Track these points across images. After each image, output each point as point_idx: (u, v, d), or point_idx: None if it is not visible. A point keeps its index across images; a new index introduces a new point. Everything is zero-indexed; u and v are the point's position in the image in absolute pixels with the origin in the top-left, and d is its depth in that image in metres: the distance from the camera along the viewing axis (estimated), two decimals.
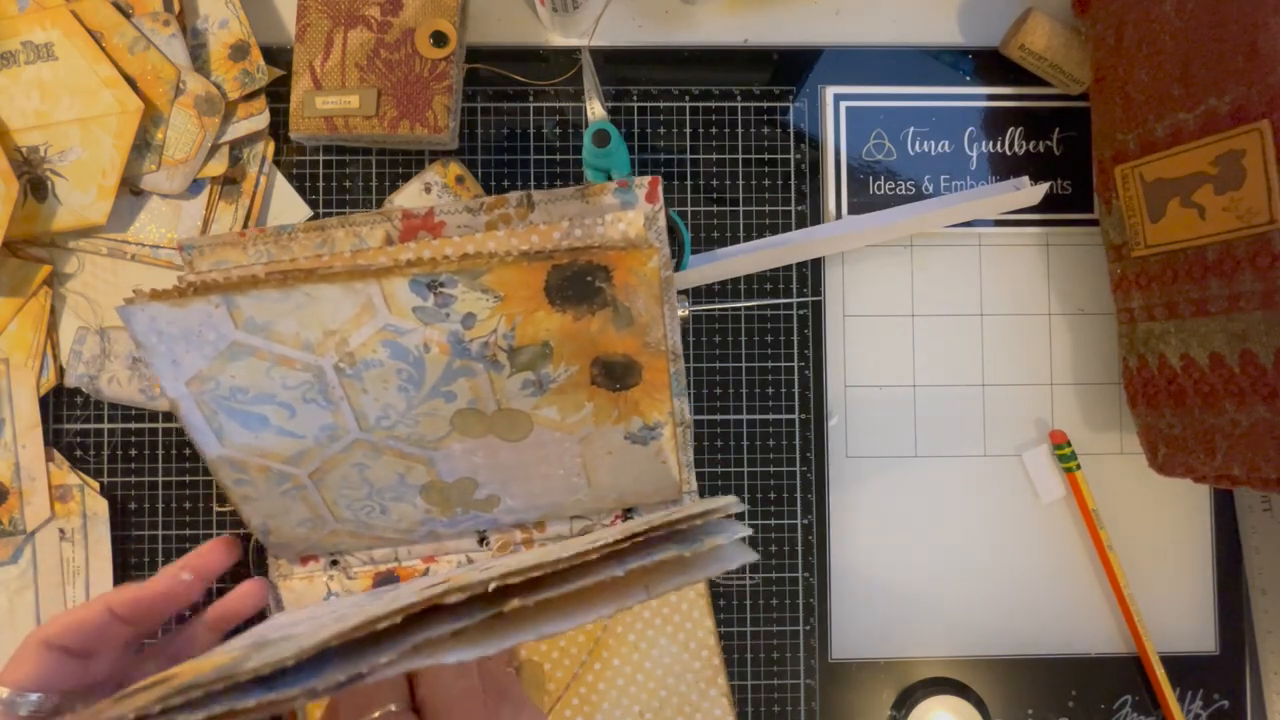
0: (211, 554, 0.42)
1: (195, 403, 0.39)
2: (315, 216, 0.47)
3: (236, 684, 0.26)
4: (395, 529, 0.44)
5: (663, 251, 0.38)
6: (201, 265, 0.40)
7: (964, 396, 0.49)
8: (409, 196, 0.46)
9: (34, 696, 0.34)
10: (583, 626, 0.45)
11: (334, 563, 0.45)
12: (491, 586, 0.28)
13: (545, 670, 0.45)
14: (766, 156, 0.49)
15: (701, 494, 0.48)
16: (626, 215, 0.39)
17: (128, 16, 0.44)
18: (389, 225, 0.40)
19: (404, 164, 0.48)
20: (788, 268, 0.49)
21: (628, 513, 0.46)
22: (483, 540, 0.46)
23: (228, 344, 0.38)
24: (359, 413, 0.40)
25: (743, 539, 0.34)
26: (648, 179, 0.39)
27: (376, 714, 0.34)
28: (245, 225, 0.46)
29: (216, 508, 0.46)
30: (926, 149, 0.49)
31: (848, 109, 0.48)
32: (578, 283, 0.38)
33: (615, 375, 0.41)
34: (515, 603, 0.28)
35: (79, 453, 0.47)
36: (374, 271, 0.37)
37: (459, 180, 0.46)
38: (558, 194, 0.40)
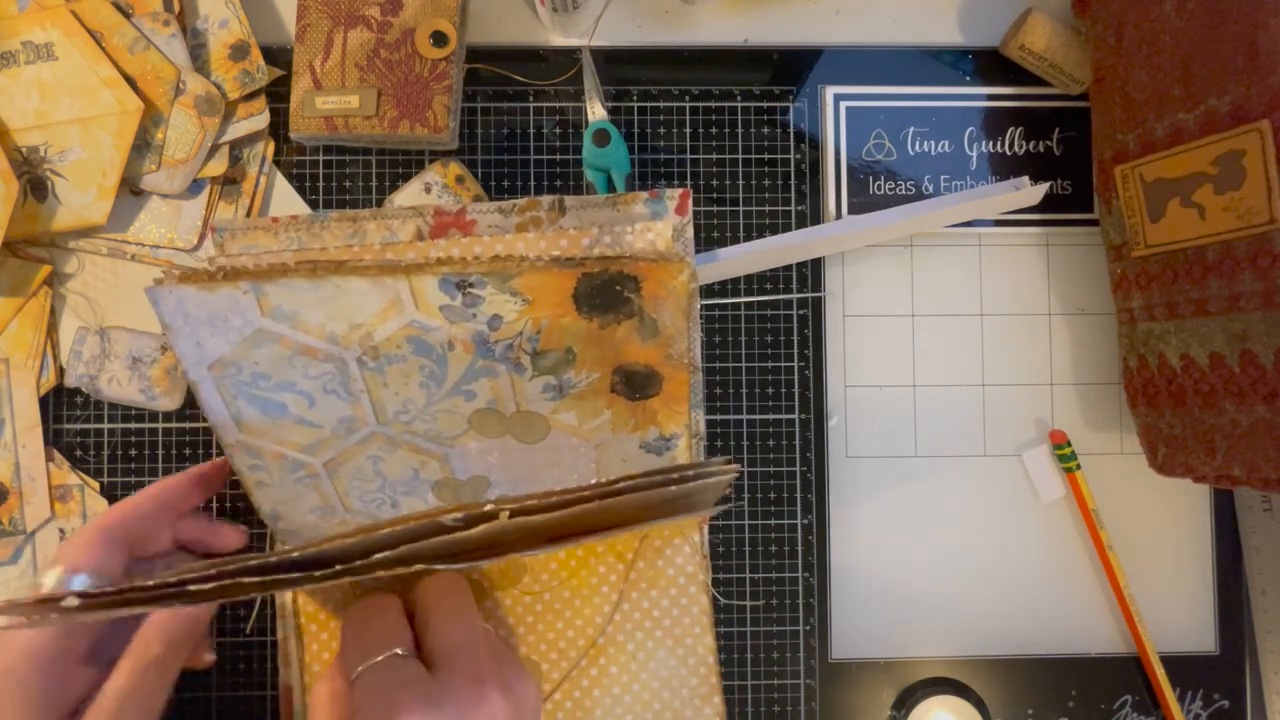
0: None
1: (215, 387, 0.39)
2: None
3: (246, 567, 0.30)
4: None
5: (692, 265, 0.39)
6: (233, 248, 0.39)
7: (964, 396, 0.49)
8: (409, 196, 0.46)
9: (81, 578, 0.36)
10: (583, 630, 0.45)
11: None
12: (488, 507, 0.31)
13: (543, 670, 0.45)
14: (766, 156, 0.49)
15: None
16: (655, 226, 0.39)
17: (128, 16, 0.44)
18: (421, 220, 0.40)
19: (404, 164, 0.48)
20: (787, 267, 0.49)
21: None
22: None
23: (253, 330, 0.38)
24: (378, 406, 0.40)
25: (726, 485, 0.36)
26: (678, 191, 0.40)
27: (381, 657, 0.35)
28: None
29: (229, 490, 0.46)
30: (926, 149, 0.49)
31: (848, 109, 0.48)
32: (606, 291, 0.38)
33: (635, 385, 0.41)
34: (506, 515, 0.30)
35: (79, 453, 0.47)
36: (404, 267, 0.38)
37: (459, 180, 0.46)
38: (590, 200, 0.40)
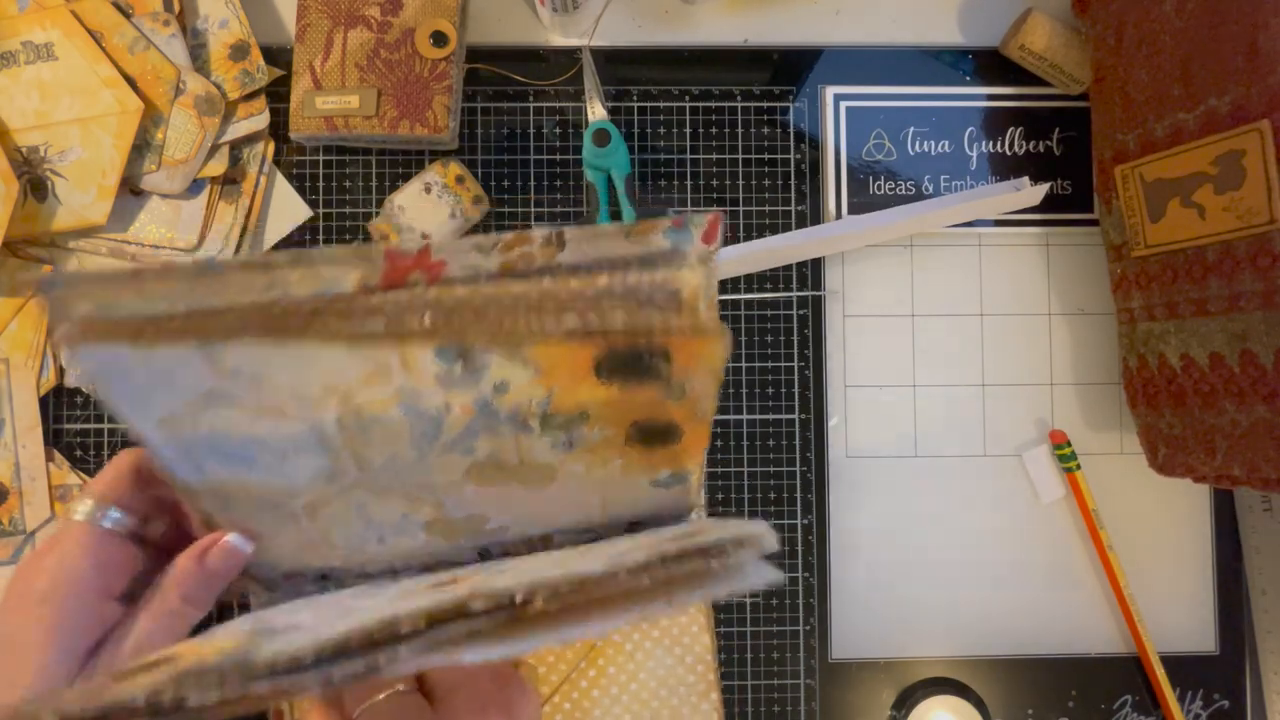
0: None
1: (166, 442, 0.33)
2: (314, 217, 0.47)
3: (250, 673, 0.27)
4: (392, 553, 0.42)
5: (728, 334, 0.33)
6: (78, 309, 0.29)
7: (964, 396, 0.49)
8: (409, 196, 0.46)
9: (116, 512, 0.36)
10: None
11: (323, 577, 0.42)
12: (518, 598, 0.28)
13: (540, 673, 0.45)
14: (766, 156, 0.49)
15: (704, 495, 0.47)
16: (682, 276, 0.32)
17: (128, 16, 0.44)
18: (367, 266, 0.30)
19: (404, 164, 0.48)
20: (787, 267, 0.49)
21: (634, 524, 0.45)
22: (484, 555, 0.44)
23: (205, 390, 0.31)
24: (361, 459, 0.35)
25: (767, 557, 0.33)
26: (706, 217, 0.32)
27: (383, 696, 0.34)
28: (245, 225, 0.46)
29: None
30: (926, 149, 0.49)
31: (848, 109, 0.48)
32: (633, 362, 0.33)
33: (653, 436, 0.36)
34: (539, 605, 0.28)
35: (79, 453, 0.47)
36: (386, 336, 0.31)
37: (459, 180, 0.46)
38: (596, 231, 0.32)
